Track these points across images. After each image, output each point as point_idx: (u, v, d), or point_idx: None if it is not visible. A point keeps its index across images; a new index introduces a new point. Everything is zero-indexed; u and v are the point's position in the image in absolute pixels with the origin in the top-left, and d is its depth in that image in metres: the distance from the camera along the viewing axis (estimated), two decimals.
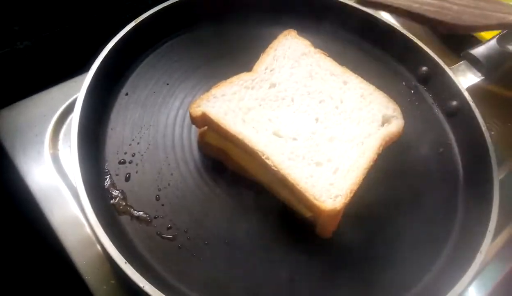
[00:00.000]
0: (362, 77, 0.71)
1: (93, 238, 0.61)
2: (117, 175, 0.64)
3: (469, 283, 0.57)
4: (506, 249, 0.72)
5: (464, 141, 0.75)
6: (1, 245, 0.74)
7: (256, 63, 0.70)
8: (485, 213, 0.63)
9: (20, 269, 0.74)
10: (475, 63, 0.78)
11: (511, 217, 0.75)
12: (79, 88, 0.65)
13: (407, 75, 0.84)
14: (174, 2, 0.78)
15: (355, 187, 0.59)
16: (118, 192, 0.62)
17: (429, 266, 0.62)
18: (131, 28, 0.73)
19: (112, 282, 0.58)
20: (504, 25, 0.65)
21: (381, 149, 0.63)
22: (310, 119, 0.65)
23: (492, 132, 0.86)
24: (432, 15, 0.59)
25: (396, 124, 0.66)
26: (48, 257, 0.67)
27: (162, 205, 0.62)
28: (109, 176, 0.63)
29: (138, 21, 0.74)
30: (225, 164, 0.66)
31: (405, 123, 0.66)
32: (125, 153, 0.66)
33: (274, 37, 0.74)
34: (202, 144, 0.67)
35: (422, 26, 1.04)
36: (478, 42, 0.81)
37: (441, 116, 0.79)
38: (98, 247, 0.60)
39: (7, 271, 0.73)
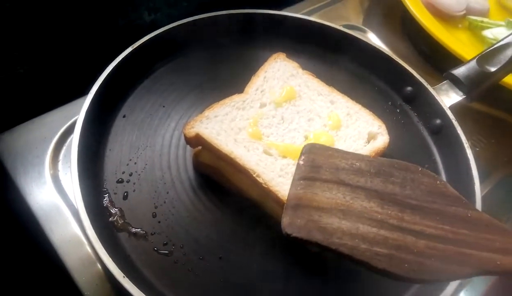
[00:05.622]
0: (348, 97, 0.75)
1: (93, 255, 0.63)
2: (115, 193, 0.66)
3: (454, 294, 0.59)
4: None
5: (448, 157, 0.77)
6: (4, 263, 0.76)
7: (247, 85, 0.74)
8: None
9: (22, 286, 0.75)
10: (457, 82, 0.80)
11: None
12: (78, 111, 0.68)
13: (392, 95, 0.87)
14: (169, 29, 0.81)
15: None
16: (116, 209, 0.64)
17: None
18: (128, 54, 0.76)
19: None
20: (486, 271, 0.43)
21: None
22: (299, 137, 0.68)
23: (477, 149, 0.89)
24: (382, 266, 0.42)
25: (381, 141, 0.69)
26: (49, 274, 0.69)
27: (159, 222, 0.64)
28: (107, 194, 0.65)
29: (134, 47, 0.77)
30: (219, 182, 0.68)
31: (391, 141, 0.69)
32: (123, 173, 0.68)
33: (264, 60, 0.78)
34: (197, 163, 0.70)
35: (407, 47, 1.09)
36: (460, 62, 0.84)
37: (425, 134, 0.82)
38: (98, 264, 0.62)
39: (10, 288, 0.75)
